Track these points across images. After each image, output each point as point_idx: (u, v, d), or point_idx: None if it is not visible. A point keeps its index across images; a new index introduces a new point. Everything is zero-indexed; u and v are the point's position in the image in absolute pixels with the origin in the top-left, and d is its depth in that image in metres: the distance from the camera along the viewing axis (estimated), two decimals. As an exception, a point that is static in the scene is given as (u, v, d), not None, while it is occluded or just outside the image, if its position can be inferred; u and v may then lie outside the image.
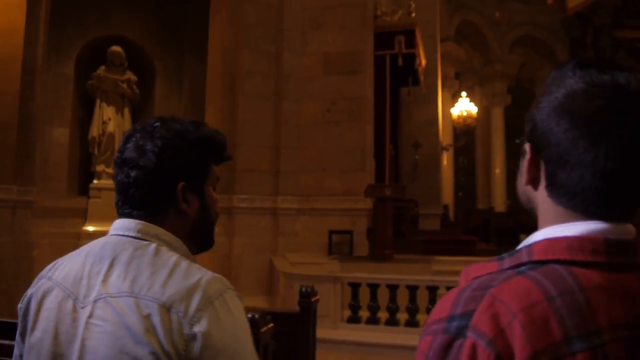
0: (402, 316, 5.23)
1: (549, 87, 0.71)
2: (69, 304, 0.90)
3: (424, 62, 10.30)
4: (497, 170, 19.56)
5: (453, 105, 15.40)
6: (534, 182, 0.71)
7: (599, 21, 14.43)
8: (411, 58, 9.06)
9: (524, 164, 0.71)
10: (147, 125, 0.99)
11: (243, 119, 8.03)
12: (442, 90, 14.11)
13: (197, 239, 1.01)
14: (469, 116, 12.40)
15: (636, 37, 16.69)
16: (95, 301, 0.88)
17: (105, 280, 0.88)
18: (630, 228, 0.65)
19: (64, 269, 0.95)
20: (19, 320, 0.96)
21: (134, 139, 0.97)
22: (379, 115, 8.59)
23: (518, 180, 0.75)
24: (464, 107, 12.44)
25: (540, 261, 0.63)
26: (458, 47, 18.10)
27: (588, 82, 0.65)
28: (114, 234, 0.96)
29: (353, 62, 8.22)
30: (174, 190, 0.96)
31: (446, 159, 14.66)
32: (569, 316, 0.58)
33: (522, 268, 0.64)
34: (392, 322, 5.18)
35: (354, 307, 5.24)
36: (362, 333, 5.07)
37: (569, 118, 0.65)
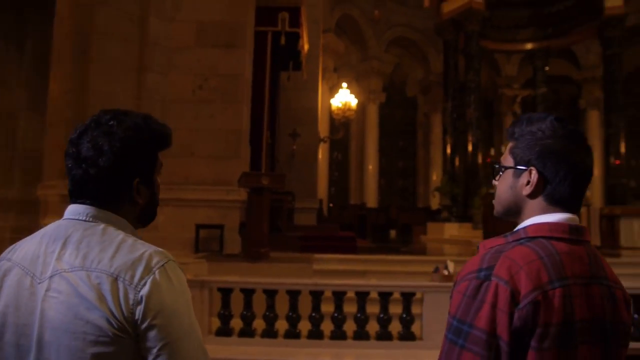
0: (282, 325, 4.48)
1: (536, 131, 1.13)
2: (27, 281, 0.99)
3: (306, 46, 9.68)
4: (370, 167, 19.81)
5: (331, 98, 15.11)
6: (534, 194, 1.12)
7: (470, 28, 15.06)
8: (294, 38, 8.37)
9: (532, 181, 1.12)
10: (101, 121, 1.04)
11: (96, 89, 6.67)
12: (321, 82, 13.74)
13: (142, 220, 1.12)
14: (349, 108, 12.07)
15: (496, 48, 17.91)
16: (51, 277, 0.97)
17: (59, 258, 0.98)
18: (577, 218, 1.12)
19: (22, 250, 1.03)
20: None
21: (89, 135, 1.03)
22: (257, 97, 7.76)
23: (504, 191, 1.17)
24: (344, 98, 12.07)
25: (532, 237, 1.08)
26: (338, 40, 17.91)
27: (564, 134, 1.12)
28: (66, 218, 1.04)
29: (231, 34, 7.28)
30: (130, 186, 1.05)
31: (321, 153, 14.30)
32: (551, 268, 1.02)
33: (522, 240, 1.08)
34: (269, 333, 4.40)
35: (225, 317, 4.37)
36: (235, 348, 4.22)
37: (556, 158, 1.10)
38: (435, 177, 21.39)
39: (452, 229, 14.25)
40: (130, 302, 0.93)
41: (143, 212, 1.11)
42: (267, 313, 4.43)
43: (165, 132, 1.12)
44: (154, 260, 0.97)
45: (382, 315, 4.60)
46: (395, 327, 4.66)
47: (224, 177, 7.00)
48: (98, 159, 1.01)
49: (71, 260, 0.96)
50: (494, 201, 1.20)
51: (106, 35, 6.74)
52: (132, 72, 6.96)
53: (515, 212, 1.15)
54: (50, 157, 6.84)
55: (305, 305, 4.49)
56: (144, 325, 0.93)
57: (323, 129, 14.11)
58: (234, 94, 7.18)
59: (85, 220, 1.02)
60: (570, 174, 1.09)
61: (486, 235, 8.76)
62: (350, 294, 4.65)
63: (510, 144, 1.17)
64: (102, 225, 1.02)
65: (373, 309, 4.67)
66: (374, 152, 19.98)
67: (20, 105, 8.57)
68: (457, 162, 15.54)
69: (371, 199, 19.35)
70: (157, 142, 1.09)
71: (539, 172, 1.10)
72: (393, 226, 16.98)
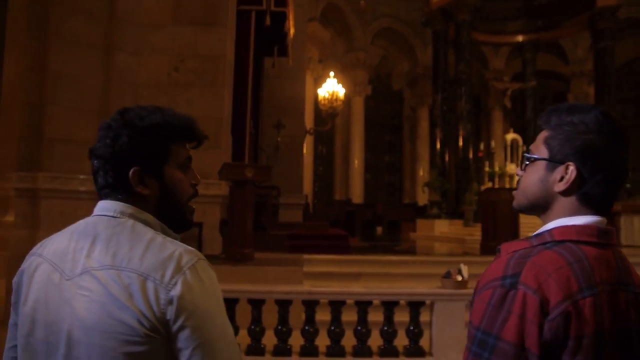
0: (269, 340, 3.82)
1: (578, 122, 1.02)
2: (56, 277, 0.97)
3: (292, 30, 8.98)
4: (356, 161, 19.21)
5: (316, 89, 14.44)
6: (568, 191, 1.02)
7: (461, 17, 14.56)
8: (280, 19, 7.67)
9: (568, 178, 1.01)
10: (111, 118, 1.05)
11: (57, 69, 5.89)
12: (306, 72, 13.06)
13: (164, 219, 1.05)
14: (336, 99, 11.42)
15: (485, 40, 17.46)
16: (81, 274, 0.95)
17: (88, 255, 0.96)
18: (606, 220, 1.03)
19: (52, 246, 1.03)
20: (13, 293, 1.04)
21: (100, 132, 1.04)
22: (239, 82, 7.05)
23: (533, 184, 1.06)
24: (331, 88, 11.42)
25: (559, 241, 0.99)
26: (323, 30, 17.25)
27: (608, 130, 1.01)
28: (96, 215, 1.03)
29: (211, 11, 6.54)
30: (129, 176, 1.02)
31: (306, 147, 13.64)
32: (581, 275, 0.93)
33: (548, 244, 0.99)
34: (256, 350, 3.73)
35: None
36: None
37: (598, 156, 1.00)
38: (422, 172, 20.91)
39: (442, 226, 13.76)
40: (162, 302, 0.90)
41: (159, 209, 1.05)
42: (253, 327, 3.76)
43: (171, 122, 1.06)
44: (184, 260, 0.94)
45: (385, 328, 3.97)
46: (400, 339, 4.04)
47: (203, 169, 6.26)
48: (98, 150, 1.03)
49: (101, 258, 0.95)
50: (515, 192, 1.12)
51: (68, 7, 5.95)
52: (99, 51, 6.18)
53: (542, 208, 1.07)
54: (5, 145, 6.05)
55: (296, 314, 3.84)
56: (176, 326, 0.91)
57: (308, 120, 13.42)
58: (214, 77, 6.45)
59: (113, 217, 1.01)
60: (610, 174, 1.02)
61: (484, 235, 8.20)
62: (349, 301, 4.02)
63: (544, 133, 1.07)
64: (130, 222, 1.00)
65: (373, 316, 4.04)
66: (359, 147, 19.38)
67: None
68: (447, 157, 15.05)
69: (356, 195, 18.77)
70: (159, 133, 1.04)
71: (577, 168, 1.02)
72: (379, 223, 16.44)
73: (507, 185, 13.40)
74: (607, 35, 14.77)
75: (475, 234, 12.09)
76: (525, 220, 8.91)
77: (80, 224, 1.03)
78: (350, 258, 6.19)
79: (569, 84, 20.43)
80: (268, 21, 7.30)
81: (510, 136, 15.21)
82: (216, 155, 6.28)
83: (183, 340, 0.91)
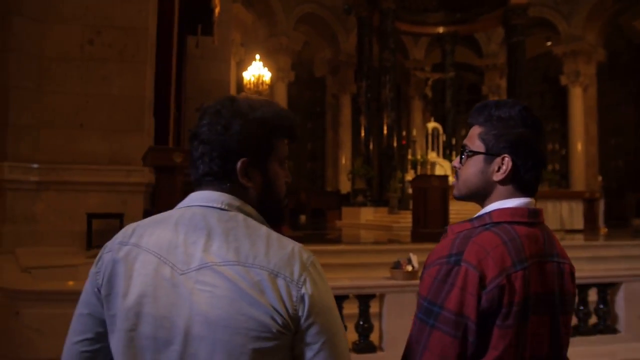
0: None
1: (507, 118, 1.19)
2: (167, 271, 0.93)
3: (217, 8, 8.42)
4: (279, 149, 18.85)
5: (239, 73, 13.88)
6: (505, 180, 1.18)
7: (386, 5, 14.58)
8: (207, -7, 7.11)
9: (503, 166, 1.17)
10: (218, 103, 1.04)
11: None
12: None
13: (262, 213, 1.04)
14: (262, 82, 10.97)
15: (407, 30, 17.72)
16: (199, 269, 0.92)
17: (206, 250, 0.93)
18: (534, 201, 1.20)
19: (152, 237, 0.97)
20: (104, 284, 0.97)
21: (207, 116, 1.02)
22: (162, 59, 6.43)
23: (474, 175, 1.21)
24: (257, 71, 10.94)
25: (497, 222, 1.14)
26: (246, 12, 16.61)
27: (532, 123, 1.19)
28: (200, 205, 0.99)
29: (130, -22, 5.88)
30: (236, 166, 1.01)
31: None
32: (513, 252, 1.09)
33: (487, 226, 1.14)
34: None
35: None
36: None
37: (528, 147, 1.18)
38: (345, 160, 20.98)
39: (367, 214, 13.82)
40: (294, 299, 0.92)
41: (260, 202, 1.04)
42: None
43: (278, 118, 1.06)
44: (305, 256, 0.96)
45: (335, 324, 3.72)
46: (348, 333, 3.80)
47: (124, 155, 5.67)
48: (205, 136, 1.00)
49: (222, 253, 0.93)
50: (455, 183, 1.26)
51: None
52: (-5, 16, 5.35)
53: (482, 196, 1.22)
54: None
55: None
56: (307, 322, 0.92)
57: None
58: (135, 52, 5.81)
59: (221, 209, 0.98)
60: (537, 162, 1.18)
61: (415, 222, 8.24)
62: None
63: (477, 129, 1.22)
64: (241, 216, 0.98)
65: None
66: (283, 134, 18.99)
67: None
68: (371, 145, 15.12)
69: (280, 183, 18.42)
70: (268, 127, 1.03)
71: (512, 159, 1.17)
72: (303, 211, 16.25)
73: (429, 172, 13.73)
74: (519, 31, 15.48)
75: (401, 221, 12.25)
76: (454, 207, 9.09)
77: (184, 214, 0.98)
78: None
79: (482, 76, 21.36)
80: (194, -6, 6.73)
81: (432, 125, 15.60)
82: (139, 139, 5.69)
83: (313, 335, 0.93)
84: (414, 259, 3.95)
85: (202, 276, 0.91)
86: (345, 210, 14.61)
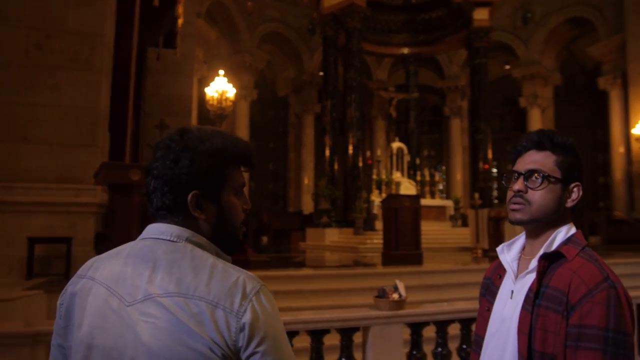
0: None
1: (572, 147, 1.30)
2: (115, 302, 0.95)
3: (181, 20, 8.00)
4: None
5: (201, 90, 13.39)
6: (574, 207, 1.27)
7: (352, 24, 14.50)
8: (170, 1, 6.69)
9: (573, 193, 1.26)
10: (168, 138, 1.04)
11: None
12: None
13: (218, 243, 1.05)
14: (226, 99, 10.55)
15: (372, 50, 17.74)
16: (143, 300, 0.93)
17: (150, 282, 0.94)
18: None
19: (105, 270, 0.99)
20: (61, 315, 1.01)
21: (159, 151, 1.03)
22: (120, 69, 5.95)
23: (552, 201, 1.25)
24: (220, 87, 10.52)
25: (583, 245, 1.22)
26: (209, 28, 16.21)
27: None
28: (151, 237, 1.00)
29: (85, -19, 5.41)
30: (187, 199, 1.01)
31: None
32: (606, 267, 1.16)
33: (585, 249, 1.22)
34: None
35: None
36: None
37: (582, 175, 1.31)
38: (307, 180, 20.66)
39: (332, 235, 13.45)
40: (233, 330, 0.90)
41: (215, 233, 1.04)
42: None
43: (231, 147, 1.05)
44: (249, 287, 0.94)
45: (314, 363, 3.30)
46: (328, 374, 3.39)
47: (73, 172, 5.12)
48: (156, 171, 1.01)
49: (164, 284, 0.92)
50: (522, 207, 1.26)
51: None
52: None
53: (552, 221, 1.25)
54: None
55: None
56: (247, 353, 0.91)
57: (193, 123, 12.34)
58: (90, 59, 5.31)
59: (171, 241, 0.98)
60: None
61: (387, 243, 7.90)
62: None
63: (553, 156, 1.26)
64: (189, 247, 0.98)
65: (297, 341, 3.35)
66: (245, 153, 18.50)
67: None
68: (336, 165, 14.84)
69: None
70: (220, 158, 1.03)
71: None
72: (265, 232, 15.74)
73: (394, 192, 13.54)
74: (481, 53, 15.71)
75: (367, 242, 11.94)
76: (425, 227, 8.85)
77: (135, 246, 1.00)
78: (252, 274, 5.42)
79: (444, 98, 21.61)
80: (157, 1, 6.30)
81: (396, 145, 15.50)
82: (91, 155, 5.17)
83: None
84: (401, 286, 3.59)
85: (145, 307, 0.92)
86: (310, 231, 14.20)
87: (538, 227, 1.25)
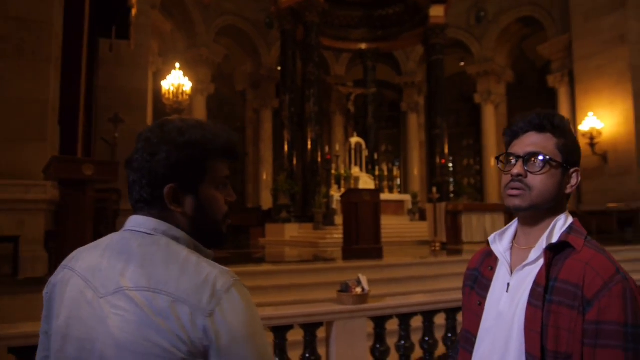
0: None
1: (569, 131, 1.21)
2: (89, 294, 0.95)
3: (135, 10, 7.73)
4: (199, 164, 17.98)
5: (156, 84, 13.02)
6: (571, 194, 1.19)
7: (310, 19, 14.45)
8: (123, -10, 6.45)
9: (572, 179, 1.18)
10: (148, 130, 1.03)
11: None
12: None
13: (199, 237, 1.02)
14: (182, 92, 10.29)
15: (330, 45, 17.74)
16: (114, 293, 0.92)
17: (122, 274, 0.93)
18: None
19: (84, 261, 1.00)
20: (45, 305, 1.03)
21: (139, 143, 1.02)
22: (70, 60, 5.68)
23: (553, 186, 1.15)
24: (177, 80, 10.26)
25: (585, 234, 1.15)
26: (164, 20, 15.78)
27: None
28: (128, 230, 1.00)
29: (32, -35, 5.12)
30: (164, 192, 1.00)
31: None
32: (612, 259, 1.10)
33: (587, 237, 1.15)
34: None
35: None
36: None
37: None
38: (266, 176, 20.52)
39: (292, 230, 13.41)
40: (198, 327, 0.88)
41: (195, 226, 1.01)
42: None
43: (211, 139, 1.02)
44: (220, 283, 0.91)
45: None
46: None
47: (20, 168, 4.86)
48: (135, 164, 1.00)
49: (135, 278, 0.92)
50: (522, 192, 1.16)
51: None
52: None
53: (551, 208, 1.17)
54: None
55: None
56: (213, 351, 0.88)
57: (147, 117, 11.99)
58: (36, 48, 5.04)
59: (147, 234, 0.97)
60: None
61: (347, 238, 7.92)
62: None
63: (554, 139, 1.17)
64: (165, 240, 0.97)
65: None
66: (202, 148, 18.16)
67: None
68: (295, 160, 14.78)
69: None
70: (198, 150, 1.00)
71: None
72: (252, 226, 15.54)
73: (353, 187, 13.62)
74: (438, 50, 15.97)
75: (327, 237, 11.96)
76: (384, 222, 8.92)
77: (114, 238, 1.00)
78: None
79: (401, 94, 21.88)
80: (108, -11, 6.05)
81: (355, 140, 15.58)
82: (39, 149, 4.92)
83: None
84: (364, 280, 3.58)
85: (116, 300, 0.92)
86: (269, 226, 14.11)
87: (536, 214, 1.16)
